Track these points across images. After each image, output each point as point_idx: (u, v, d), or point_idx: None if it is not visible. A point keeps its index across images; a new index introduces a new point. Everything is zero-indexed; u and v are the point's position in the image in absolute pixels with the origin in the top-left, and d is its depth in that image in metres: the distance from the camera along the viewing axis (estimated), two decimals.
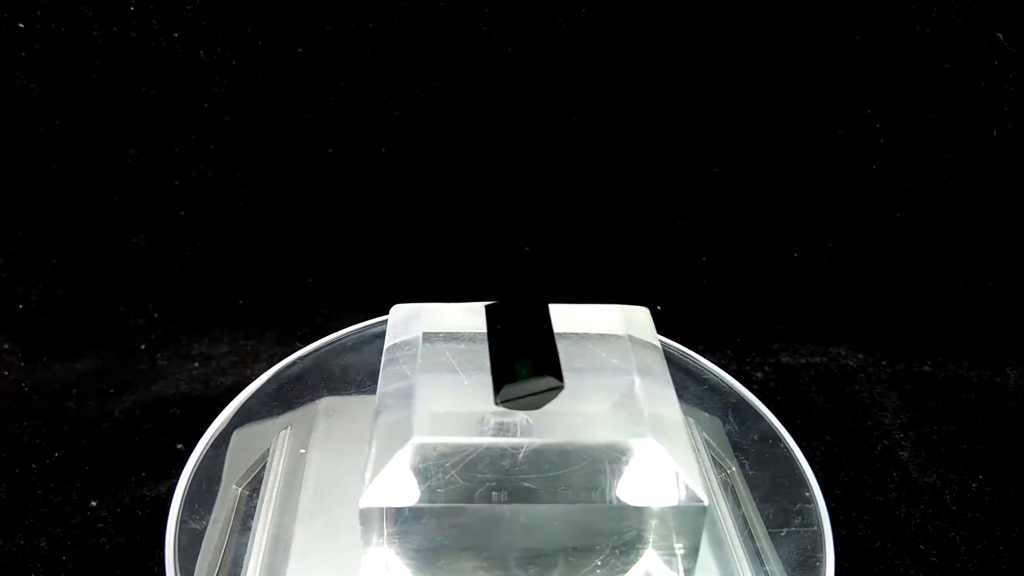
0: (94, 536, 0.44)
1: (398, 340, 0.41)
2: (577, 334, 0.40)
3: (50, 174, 0.56)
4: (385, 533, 0.35)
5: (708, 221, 0.59)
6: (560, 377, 0.36)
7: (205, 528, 0.40)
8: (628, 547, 0.35)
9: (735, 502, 0.42)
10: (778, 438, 0.45)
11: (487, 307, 0.40)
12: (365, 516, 0.34)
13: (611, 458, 0.34)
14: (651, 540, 0.35)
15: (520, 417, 0.36)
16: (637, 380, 0.37)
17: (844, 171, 0.58)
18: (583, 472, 0.34)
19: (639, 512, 0.34)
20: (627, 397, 0.36)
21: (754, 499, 0.42)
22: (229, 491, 0.42)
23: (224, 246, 0.60)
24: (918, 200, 0.58)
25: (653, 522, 0.34)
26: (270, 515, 0.40)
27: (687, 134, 0.57)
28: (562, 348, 0.38)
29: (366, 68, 0.55)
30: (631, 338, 0.40)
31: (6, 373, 0.56)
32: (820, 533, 0.40)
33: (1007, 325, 0.61)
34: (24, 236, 0.57)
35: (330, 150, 0.57)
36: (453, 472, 0.34)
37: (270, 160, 0.58)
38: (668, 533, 0.35)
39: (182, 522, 0.40)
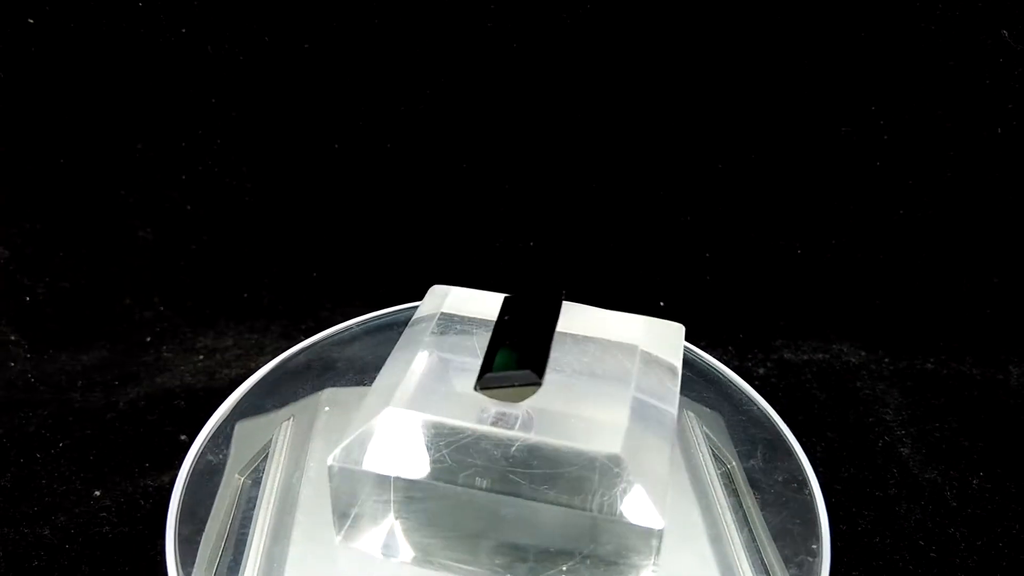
0: (97, 525, 0.44)
1: (423, 315, 0.41)
2: (594, 338, 0.40)
3: (57, 167, 0.57)
4: (358, 497, 0.35)
5: (712, 217, 0.60)
6: (541, 374, 0.35)
7: (207, 517, 0.40)
8: (597, 560, 0.35)
9: (734, 495, 0.42)
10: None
11: (505, 298, 0.40)
12: (332, 474, 0.35)
13: (585, 467, 0.34)
14: (618, 555, 0.34)
15: (522, 410, 0.36)
16: (634, 394, 0.37)
17: (848, 168, 0.58)
18: (563, 476, 0.34)
19: (600, 524, 0.34)
20: (618, 409, 0.36)
21: (756, 499, 0.42)
22: (231, 481, 0.42)
23: (230, 240, 0.60)
24: (922, 197, 0.58)
25: (617, 537, 0.34)
26: (272, 504, 0.40)
27: (691, 130, 0.57)
28: (575, 349, 0.39)
29: (372, 64, 0.55)
30: (645, 351, 0.39)
31: (12, 364, 0.56)
32: None
33: (1010, 323, 0.60)
34: (31, 229, 0.58)
35: (336, 145, 0.58)
36: (446, 451, 0.34)
37: (276, 155, 0.58)
38: (637, 550, 0.34)
39: (184, 511, 0.40)
